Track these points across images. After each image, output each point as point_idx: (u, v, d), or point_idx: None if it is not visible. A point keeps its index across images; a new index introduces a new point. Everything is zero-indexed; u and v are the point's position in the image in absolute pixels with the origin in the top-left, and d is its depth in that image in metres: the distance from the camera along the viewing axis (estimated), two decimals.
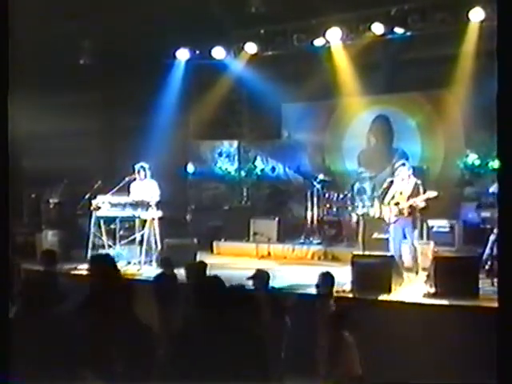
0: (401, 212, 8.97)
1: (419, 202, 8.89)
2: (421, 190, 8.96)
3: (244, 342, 3.72)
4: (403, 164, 9.30)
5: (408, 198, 8.95)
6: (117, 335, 4.32)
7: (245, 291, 4.81)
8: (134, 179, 10.47)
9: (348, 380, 5.55)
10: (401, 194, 9.05)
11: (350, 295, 7.58)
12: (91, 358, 4.36)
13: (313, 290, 6.52)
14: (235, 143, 14.36)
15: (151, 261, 10.15)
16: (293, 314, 5.85)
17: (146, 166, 10.49)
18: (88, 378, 4.36)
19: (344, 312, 5.82)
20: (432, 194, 8.93)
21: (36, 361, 4.29)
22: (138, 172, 10.44)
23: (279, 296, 6.30)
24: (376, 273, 7.76)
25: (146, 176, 10.48)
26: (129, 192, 10.39)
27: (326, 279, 6.22)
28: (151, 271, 9.61)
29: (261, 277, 6.11)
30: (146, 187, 10.41)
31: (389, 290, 7.60)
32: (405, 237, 9.05)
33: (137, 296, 4.81)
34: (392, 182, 9.25)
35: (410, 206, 8.91)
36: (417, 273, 8.87)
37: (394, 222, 9.09)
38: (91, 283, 5.12)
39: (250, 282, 5.97)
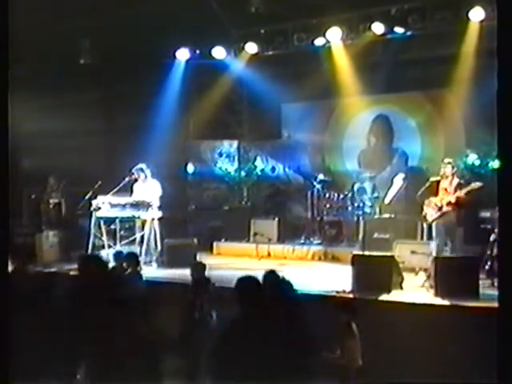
0: (440, 209, 9.22)
1: (452, 197, 9.14)
2: (463, 189, 9.14)
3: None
4: (449, 163, 9.49)
5: (453, 193, 9.16)
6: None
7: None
8: (135, 180, 10.46)
9: (348, 369, 5.55)
10: (446, 190, 9.25)
11: (351, 295, 7.57)
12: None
13: (313, 289, 6.48)
14: (235, 143, 14.32)
15: (151, 261, 10.23)
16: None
17: (144, 166, 10.49)
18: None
19: (350, 302, 5.80)
20: (476, 185, 9.14)
21: (36, 360, 4.30)
22: (138, 174, 10.42)
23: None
24: (376, 273, 7.76)
25: (146, 177, 10.47)
26: (131, 194, 10.39)
27: (271, 278, 6.07)
28: (151, 271, 9.72)
29: (198, 267, 6.82)
30: (148, 188, 10.40)
31: (389, 290, 7.60)
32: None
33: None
34: (438, 181, 9.44)
35: (450, 203, 9.16)
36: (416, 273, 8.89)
37: (434, 221, 9.35)
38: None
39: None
